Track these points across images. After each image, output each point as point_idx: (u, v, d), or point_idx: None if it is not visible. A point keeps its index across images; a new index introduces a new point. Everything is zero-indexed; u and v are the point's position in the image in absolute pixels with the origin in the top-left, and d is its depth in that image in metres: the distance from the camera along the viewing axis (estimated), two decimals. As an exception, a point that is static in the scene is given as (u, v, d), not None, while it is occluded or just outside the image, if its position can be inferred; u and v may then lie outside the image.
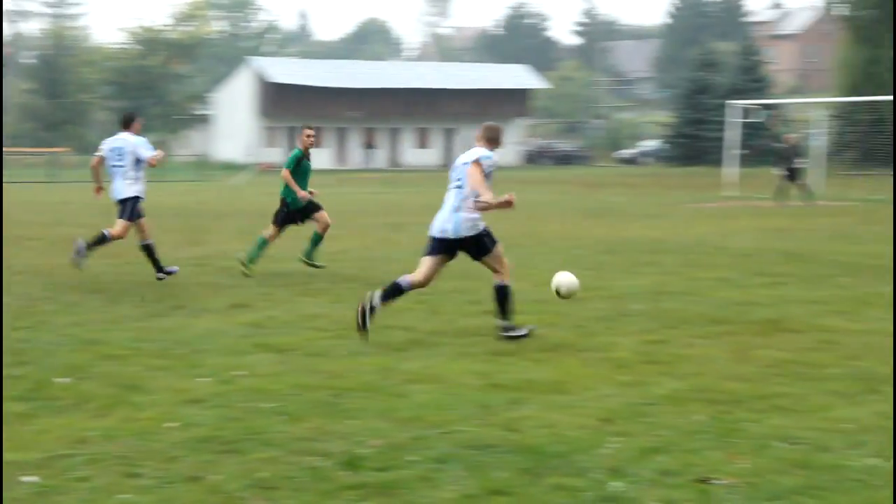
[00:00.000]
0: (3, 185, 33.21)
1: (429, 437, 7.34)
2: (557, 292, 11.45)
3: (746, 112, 43.88)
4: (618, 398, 8.43)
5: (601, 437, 7.30)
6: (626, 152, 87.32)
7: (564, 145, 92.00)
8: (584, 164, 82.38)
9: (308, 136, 16.51)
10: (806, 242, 21.13)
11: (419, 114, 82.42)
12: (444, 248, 11.06)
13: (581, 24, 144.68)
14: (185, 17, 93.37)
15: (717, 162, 61.19)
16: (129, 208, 15.32)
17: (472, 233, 10.96)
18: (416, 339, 10.98)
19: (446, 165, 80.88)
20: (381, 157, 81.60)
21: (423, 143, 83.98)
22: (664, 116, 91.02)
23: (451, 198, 11.08)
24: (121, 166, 15.26)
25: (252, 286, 14.91)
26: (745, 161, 47.20)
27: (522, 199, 15.96)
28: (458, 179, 11.03)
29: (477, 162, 10.75)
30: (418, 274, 11.08)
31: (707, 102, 74.45)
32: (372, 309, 10.80)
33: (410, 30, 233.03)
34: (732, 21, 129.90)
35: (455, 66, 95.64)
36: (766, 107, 52.25)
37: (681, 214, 30.14)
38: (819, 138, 42.20)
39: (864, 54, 61.88)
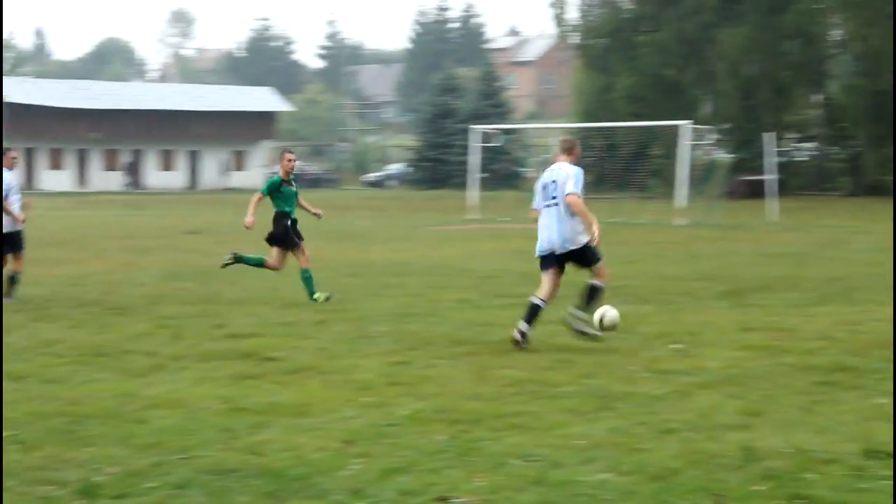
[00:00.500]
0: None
1: (169, 463, 7.22)
2: (600, 322, 11.67)
3: (487, 136, 44.74)
4: (360, 420, 8.46)
5: (343, 459, 7.31)
6: (373, 175, 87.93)
7: (311, 168, 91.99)
8: (331, 187, 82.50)
9: (289, 160, 15.81)
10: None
11: (163, 135, 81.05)
12: (556, 261, 11.92)
13: (325, 47, 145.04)
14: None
15: (460, 185, 62.27)
16: None
17: (577, 246, 11.76)
18: (159, 363, 10.79)
19: (192, 188, 79.94)
20: (121, 180, 79.81)
21: (167, 165, 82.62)
22: (409, 140, 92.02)
23: (552, 215, 11.76)
24: None
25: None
26: (487, 185, 48.14)
27: (267, 222, 15.90)
28: (554, 197, 11.73)
29: (575, 193, 11.57)
30: (544, 290, 11.94)
31: (450, 126, 75.64)
32: (523, 335, 11.59)
33: (152, 50, 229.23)
34: (472, 47, 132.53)
35: (199, 88, 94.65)
36: (507, 131, 53.44)
37: (425, 237, 30.52)
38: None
39: (597, 82, 63.91)
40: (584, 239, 11.77)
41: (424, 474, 6.98)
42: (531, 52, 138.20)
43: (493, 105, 76.74)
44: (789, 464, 7.14)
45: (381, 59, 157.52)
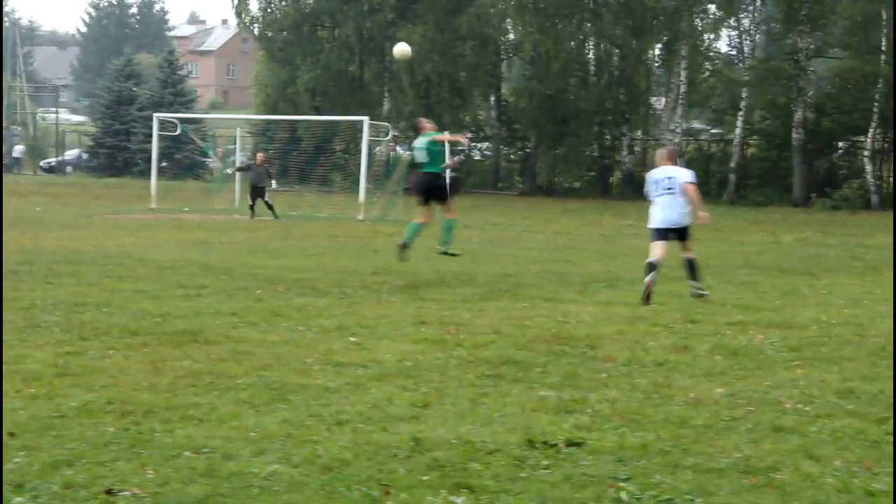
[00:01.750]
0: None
1: None
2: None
3: (169, 125, 43.98)
4: (26, 411, 8.18)
5: (7, 452, 7.06)
6: (50, 161, 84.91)
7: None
8: (7, 171, 79.13)
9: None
10: (225, 255, 21.48)
11: None
12: (668, 234, 15.56)
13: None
14: None
15: (142, 174, 61.06)
16: None
17: (682, 225, 15.60)
18: None
19: None
20: None
21: None
22: (87, 126, 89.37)
23: (668, 200, 15.53)
24: None
25: None
26: (169, 174, 47.31)
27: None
28: (669, 189, 15.54)
29: (694, 183, 15.76)
30: (658, 253, 15.41)
31: (130, 113, 73.89)
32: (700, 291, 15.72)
33: None
34: (153, 33, 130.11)
35: None
36: (189, 121, 52.62)
37: (103, 225, 29.76)
38: (241, 154, 43.12)
39: (279, 74, 63.78)
40: (688, 221, 15.64)
41: (92, 467, 6.83)
42: (213, 42, 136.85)
43: (174, 94, 75.34)
44: (455, 454, 7.33)
45: (57, 41, 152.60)
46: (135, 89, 76.43)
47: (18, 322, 12.29)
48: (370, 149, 38.32)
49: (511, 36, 62.70)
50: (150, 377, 9.56)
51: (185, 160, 58.69)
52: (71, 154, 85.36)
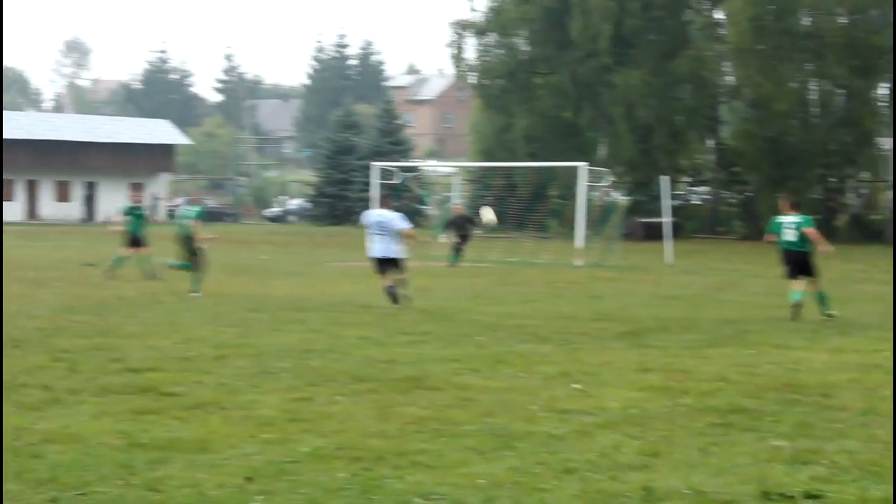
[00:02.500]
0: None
1: (65, 500, 7.10)
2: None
3: (388, 174, 44.74)
4: (261, 456, 8.38)
5: (244, 496, 7.23)
6: (273, 210, 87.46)
7: (210, 202, 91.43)
8: (232, 221, 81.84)
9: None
10: (446, 301, 21.68)
11: (58, 166, 79.86)
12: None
13: (223, 81, 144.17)
14: None
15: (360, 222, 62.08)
16: None
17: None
18: (55, 397, 10.59)
19: (88, 219, 78.87)
20: (16, 209, 78.46)
21: (62, 196, 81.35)
22: (308, 176, 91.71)
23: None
24: None
25: None
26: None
27: (167, 255, 15.70)
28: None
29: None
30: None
31: (350, 163, 75.58)
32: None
33: (46, 80, 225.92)
34: (371, 84, 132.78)
35: (95, 119, 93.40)
36: (407, 169, 53.45)
37: (326, 273, 30.40)
38: (457, 201, 43.56)
39: (495, 122, 64.26)
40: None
41: (326, 512, 6.93)
42: (430, 91, 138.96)
43: (392, 143, 76.85)
44: (688, 504, 7.20)
45: (280, 94, 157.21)
46: (354, 139, 78.11)
47: (250, 368, 12.62)
48: (587, 194, 38.22)
49: (729, 78, 61.74)
50: (378, 423, 9.68)
51: (403, 208, 59.54)
52: (294, 203, 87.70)
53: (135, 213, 26.90)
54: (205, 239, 21.89)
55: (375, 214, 20.98)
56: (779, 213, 19.31)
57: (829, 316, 18.59)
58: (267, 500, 7.18)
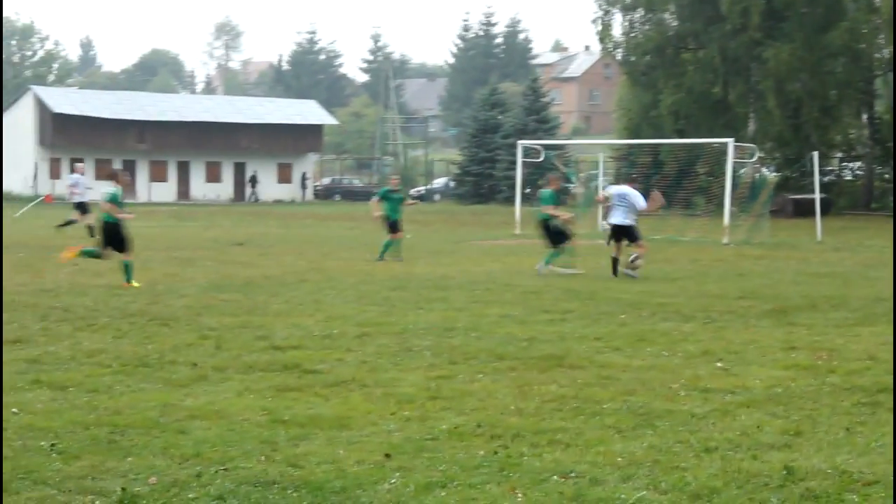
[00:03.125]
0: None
1: (209, 475, 7.25)
2: None
3: (533, 152, 44.67)
4: (400, 433, 8.47)
5: (383, 473, 7.32)
6: (420, 189, 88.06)
7: (356, 181, 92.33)
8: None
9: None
10: (588, 280, 21.59)
11: (209, 147, 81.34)
12: None
13: (369, 61, 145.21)
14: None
15: (505, 200, 62.21)
16: None
17: None
18: (201, 374, 10.84)
19: (238, 199, 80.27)
20: (169, 190, 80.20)
21: (213, 177, 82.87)
22: (454, 154, 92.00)
23: None
24: None
25: (32, 321, 14.48)
26: (533, 200, 47.83)
27: (313, 235, 15.91)
28: None
29: None
30: None
31: (495, 141, 75.62)
32: None
33: (198, 62, 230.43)
34: (517, 62, 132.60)
35: (245, 100, 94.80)
36: (552, 147, 53.33)
37: (469, 251, 30.50)
38: (604, 179, 43.32)
39: (642, 99, 63.66)
40: None
41: (464, 489, 6.99)
42: (576, 69, 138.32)
43: (538, 121, 76.62)
44: (831, 484, 7.10)
45: (426, 73, 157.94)
46: (500, 117, 78.14)
47: (392, 346, 12.75)
48: (735, 171, 37.66)
49: (886, 51, 60.15)
50: (518, 401, 9.71)
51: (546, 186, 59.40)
52: (439, 182, 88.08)
53: (392, 198, 26.99)
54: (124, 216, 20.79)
55: (618, 188, 23.26)
56: None
57: None
58: (405, 476, 7.26)
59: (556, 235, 23.11)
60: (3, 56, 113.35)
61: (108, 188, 19.95)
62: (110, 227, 19.56)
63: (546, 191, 23.71)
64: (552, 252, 23.01)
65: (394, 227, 26.58)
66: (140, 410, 9.13)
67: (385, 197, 27.15)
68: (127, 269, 19.29)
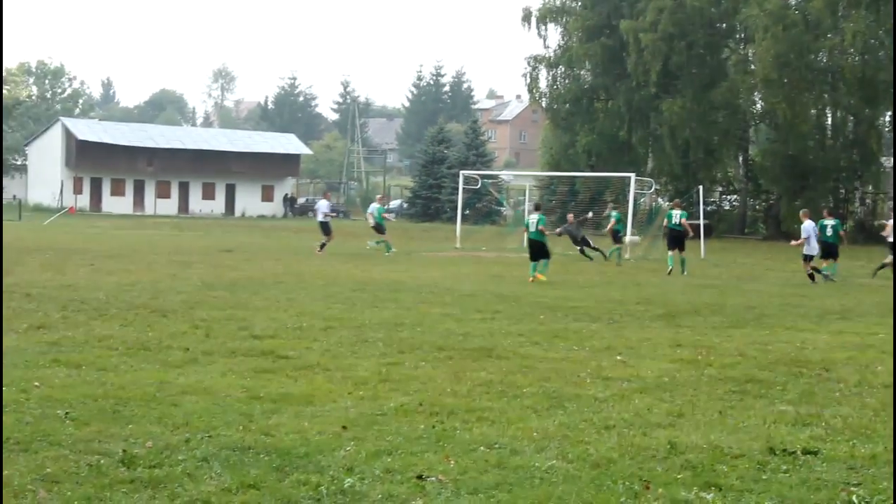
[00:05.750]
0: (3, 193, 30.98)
1: (196, 440, 7.17)
2: None
3: (471, 180, 44.71)
4: (355, 409, 8.42)
5: (340, 442, 7.27)
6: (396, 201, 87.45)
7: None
8: (343, 217, 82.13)
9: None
10: (515, 286, 21.60)
11: (206, 170, 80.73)
12: None
13: (339, 102, 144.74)
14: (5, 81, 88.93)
15: (449, 220, 62.21)
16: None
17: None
18: (192, 357, 10.73)
19: (229, 214, 79.69)
20: (172, 205, 79.51)
21: (209, 195, 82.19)
22: (407, 181, 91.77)
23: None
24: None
25: (53, 311, 14.29)
26: (470, 220, 47.99)
27: (288, 244, 15.80)
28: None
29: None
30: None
31: (441, 171, 75.57)
32: None
33: (199, 100, 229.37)
34: (461, 107, 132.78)
35: (236, 133, 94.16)
36: (487, 177, 53.37)
37: (418, 261, 30.44)
38: (529, 204, 43.35)
39: (562, 139, 63.88)
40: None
41: (407, 456, 6.95)
42: (509, 113, 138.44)
43: (477, 155, 76.58)
44: (705, 457, 7.12)
45: (386, 113, 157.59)
46: (445, 151, 78.10)
47: (351, 337, 12.68)
48: (636, 200, 37.84)
49: (758, 106, 60.81)
50: (453, 385, 9.68)
51: (483, 209, 59.43)
52: (394, 204, 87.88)
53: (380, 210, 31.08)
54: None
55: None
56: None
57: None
58: (358, 444, 7.21)
59: (544, 249, 23.67)
60: (36, 92, 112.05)
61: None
62: None
63: (540, 215, 24.26)
64: (544, 262, 23.53)
65: (378, 228, 33.45)
66: (140, 386, 9.02)
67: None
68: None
